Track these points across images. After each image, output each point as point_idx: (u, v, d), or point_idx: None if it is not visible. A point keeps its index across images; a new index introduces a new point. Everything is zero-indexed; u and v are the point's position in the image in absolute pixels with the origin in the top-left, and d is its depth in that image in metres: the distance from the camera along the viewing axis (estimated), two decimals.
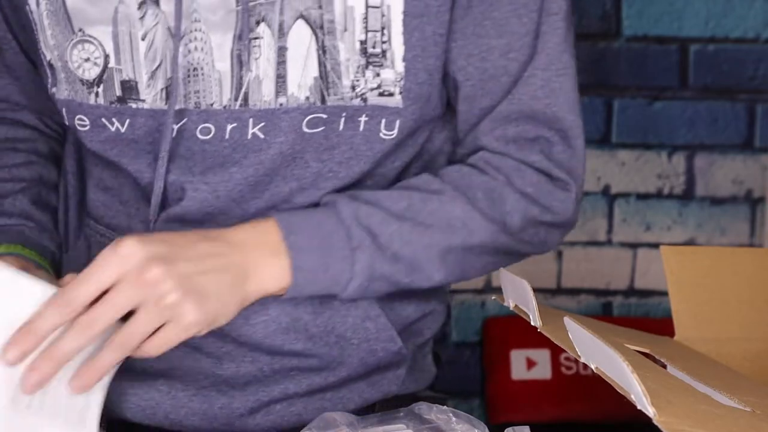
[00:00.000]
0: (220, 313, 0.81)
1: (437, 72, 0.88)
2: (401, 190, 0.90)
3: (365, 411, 0.94)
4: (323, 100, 0.86)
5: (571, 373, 2.10)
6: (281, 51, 0.86)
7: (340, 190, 0.90)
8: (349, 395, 0.96)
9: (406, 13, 0.85)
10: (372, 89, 0.86)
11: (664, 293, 0.84)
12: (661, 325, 2.08)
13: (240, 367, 0.93)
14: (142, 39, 0.87)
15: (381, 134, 0.88)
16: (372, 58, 0.86)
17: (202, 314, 0.79)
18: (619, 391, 0.54)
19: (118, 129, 0.89)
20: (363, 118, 0.87)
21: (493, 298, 0.86)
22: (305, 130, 0.87)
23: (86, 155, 0.97)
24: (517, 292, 0.76)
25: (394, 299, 0.95)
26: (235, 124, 0.87)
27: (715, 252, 0.86)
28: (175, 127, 0.88)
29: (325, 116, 0.87)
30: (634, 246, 2.18)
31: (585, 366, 2.04)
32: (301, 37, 0.86)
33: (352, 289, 0.87)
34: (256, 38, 0.86)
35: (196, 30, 0.86)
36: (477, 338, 2.20)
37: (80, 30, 0.87)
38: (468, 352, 2.20)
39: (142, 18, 0.86)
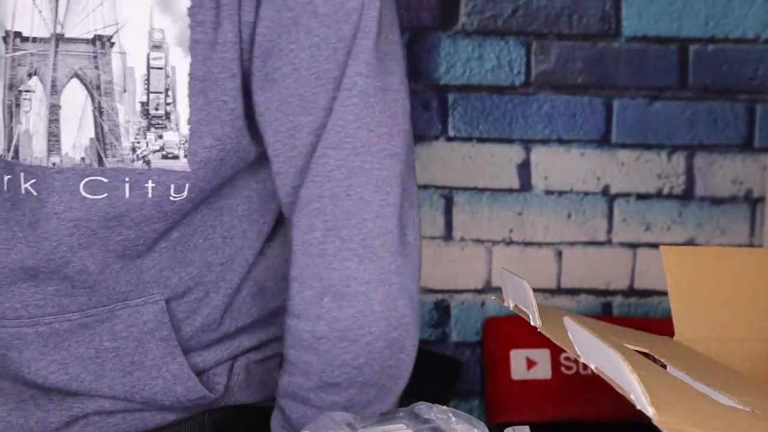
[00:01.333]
0: None
1: (229, 138, 0.85)
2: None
3: (193, 420, 0.95)
4: (101, 162, 0.83)
5: (571, 373, 2.10)
6: (54, 109, 0.83)
7: (135, 251, 0.88)
8: (169, 416, 0.95)
9: (192, 76, 0.82)
10: (154, 151, 0.83)
11: (664, 293, 0.84)
12: (660, 325, 2.08)
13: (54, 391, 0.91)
14: None
15: (170, 197, 0.85)
16: (154, 119, 0.83)
17: None
18: (618, 391, 0.54)
19: None
20: (150, 184, 0.84)
21: (493, 298, 0.86)
22: (84, 194, 0.83)
23: None
24: (517, 292, 0.76)
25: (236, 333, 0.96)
26: (10, 176, 0.84)
27: (715, 252, 0.86)
28: None
29: (105, 180, 0.83)
30: (634, 246, 2.18)
31: (585, 366, 2.04)
32: (75, 97, 0.82)
33: None
34: (27, 91, 0.82)
35: None
36: (477, 338, 2.20)
37: None
38: (468, 352, 2.20)
39: None
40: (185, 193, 0.85)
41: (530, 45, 2.13)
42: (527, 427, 0.79)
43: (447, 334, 2.19)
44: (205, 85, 0.83)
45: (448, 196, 2.16)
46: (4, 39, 0.81)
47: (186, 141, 0.83)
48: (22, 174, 0.84)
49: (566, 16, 2.12)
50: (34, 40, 0.81)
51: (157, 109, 0.83)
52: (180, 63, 0.82)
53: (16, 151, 0.83)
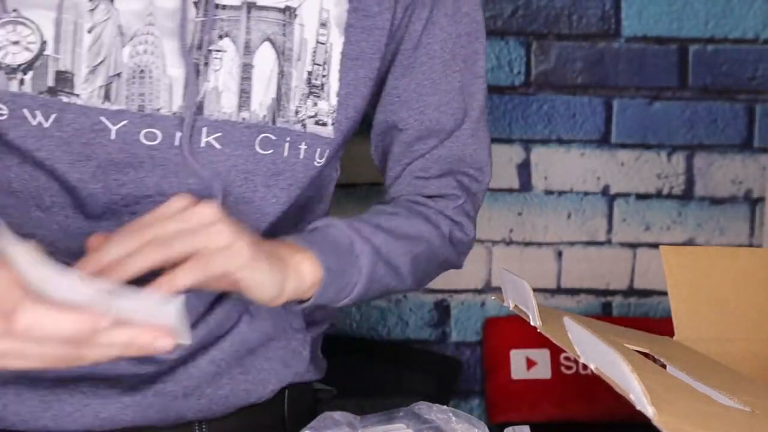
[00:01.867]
0: (263, 287, 0.83)
1: (360, 112, 0.96)
2: (371, 213, 0.99)
3: (278, 396, 0.98)
4: (273, 121, 0.90)
5: (571, 373, 2.10)
6: (246, 68, 0.89)
7: (279, 218, 0.93)
8: (267, 376, 0.98)
9: (344, 54, 0.93)
10: (310, 117, 0.92)
11: (664, 293, 0.84)
12: (660, 324, 2.08)
13: (162, 364, 0.92)
14: (89, 32, 0.84)
15: (315, 162, 0.93)
16: (314, 88, 0.92)
17: (256, 274, 0.81)
18: (618, 391, 0.54)
19: (40, 124, 0.84)
20: (303, 146, 0.92)
21: (492, 298, 0.87)
22: (257, 149, 0.90)
23: None
24: (517, 292, 0.76)
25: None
26: (182, 133, 0.87)
27: (715, 252, 0.86)
28: (114, 128, 0.86)
29: (274, 138, 0.90)
30: (633, 246, 2.18)
31: (585, 366, 2.04)
32: (266, 58, 0.89)
33: (356, 293, 0.93)
34: (218, 51, 0.87)
35: (147, 33, 0.86)
36: (477, 338, 2.20)
37: (14, 10, 0.83)
38: (468, 352, 2.20)
39: (92, 11, 0.84)
40: (323, 160, 0.95)
41: (530, 45, 2.13)
42: (527, 426, 0.79)
43: (447, 334, 2.19)
44: (356, 63, 0.94)
45: None
46: (195, 4, 0.87)
47: (334, 111, 0.93)
48: (204, 129, 0.88)
49: (566, 16, 2.12)
50: (224, 7, 0.88)
51: (316, 79, 0.92)
52: (336, 41, 0.92)
53: (200, 107, 0.87)
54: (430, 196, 1.05)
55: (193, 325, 0.93)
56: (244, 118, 0.89)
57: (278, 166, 0.91)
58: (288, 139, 0.91)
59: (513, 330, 2.12)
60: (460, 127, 1.05)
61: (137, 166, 0.87)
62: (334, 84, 0.93)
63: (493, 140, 2.15)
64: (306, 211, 1.02)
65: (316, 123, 0.92)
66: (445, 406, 0.83)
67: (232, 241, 0.79)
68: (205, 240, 0.78)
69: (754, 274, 0.85)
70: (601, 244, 2.18)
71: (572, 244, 2.18)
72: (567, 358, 2.10)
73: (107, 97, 0.85)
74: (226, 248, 0.79)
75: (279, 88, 0.90)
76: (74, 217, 0.88)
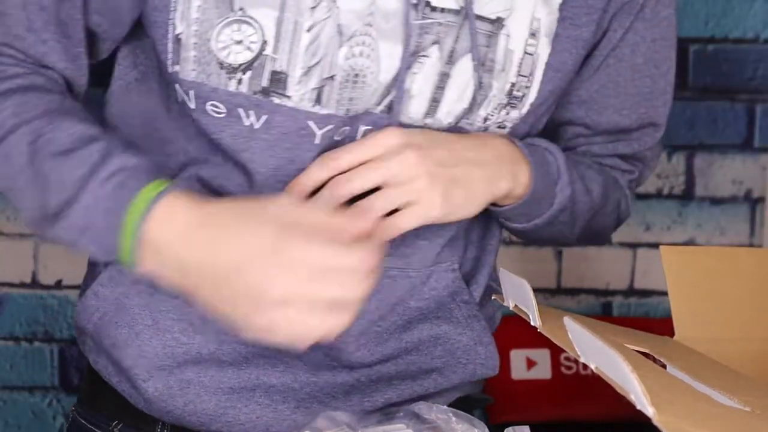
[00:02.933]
0: (463, 205, 0.85)
1: (537, 124, 0.94)
2: (570, 154, 0.97)
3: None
4: (456, 124, 0.88)
5: (571, 373, 2.10)
6: (443, 77, 0.86)
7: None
8: (448, 395, 1.00)
9: (548, 65, 0.89)
10: (496, 122, 0.89)
11: (664, 293, 0.84)
12: (660, 325, 2.07)
13: (336, 376, 0.92)
14: (307, 30, 0.81)
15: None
16: (513, 100, 0.89)
17: (444, 203, 0.83)
18: (618, 391, 0.54)
19: (251, 125, 0.84)
20: None
21: (493, 298, 0.87)
22: None
23: (187, 146, 0.89)
24: (517, 292, 0.76)
25: (485, 303, 1.00)
26: (370, 127, 0.85)
27: (715, 252, 0.87)
28: (319, 132, 0.85)
29: None
30: (633, 246, 2.18)
31: (585, 366, 2.04)
32: (465, 70, 0.86)
33: (532, 225, 0.93)
34: (423, 56, 0.84)
35: (365, 34, 0.82)
36: None
37: (241, 9, 0.80)
38: None
39: (313, 8, 0.81)
40: None
41: None
42: (527, 427, 0.79)
43: None
44: (557, 75, 0.90)
45: None
46: (415, 6, 0.83)
47: (519, 119, 0.90)
48: (364, 128, 0.86)
49: None
50: (443, 10, 0.84)
51: (518, 90, 0.89)
52: (543, 52, 0.88)
53: (390, 107, 0.85)
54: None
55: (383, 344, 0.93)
56: (426, 124, 0.87)
57: None
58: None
59: (513, 330, 2.11)
60: (648, 133, 1.03)
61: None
62: (532, 95, 0.89)
63: None
64: (485, 211, 0.99)
65: (498, 127, 0.90)
66: (444, 406, 0.83)
67: (420, 187, 0.81)
68: (397, 170, 0.81)
69: (754, 274, 0.85)
70: (601, 244, 2.18)
71: None
72: (567, 358, 2.10)
73: (318, 100, 0.83)
74: (412, 192, 0.81)
75: (474, 98, 0.87)
76: None
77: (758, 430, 0.55)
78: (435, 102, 0.86)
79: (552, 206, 0.91)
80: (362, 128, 0.86)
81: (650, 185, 2.16)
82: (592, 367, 0.58)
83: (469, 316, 0.97)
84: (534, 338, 1.88)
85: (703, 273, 0.84)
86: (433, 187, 0.82)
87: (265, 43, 0.81)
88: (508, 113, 0.89)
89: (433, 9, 0.83)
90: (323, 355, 0.91)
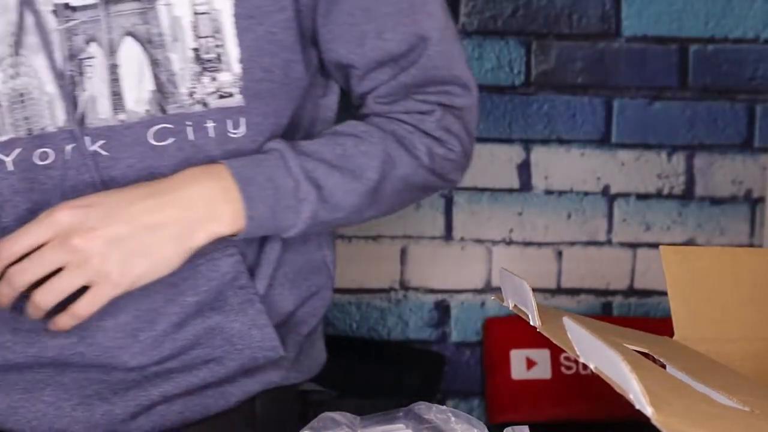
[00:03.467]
0: (151, 271, 0.85)
1: (278, 69, 0.91)
2: (335, 137, 0.94)
3: (247, 403, 0.97)
4: (164, 111, 0.88)
5: (571, 373, 2.10)
6: (113, 68, 0.87)
7: None
8: (231, 389, 0.97)
9: (237, 16, 0.87)
10: (210, 93, 0.88)
11: (664, 293, 0.84)
12: (660, 325, 2.07)
13: (126, 375, 0.93)
14: None
15: (229, 134, 0.90)
16: (207, 63, 0.88)
17: (123, 278, 0.84)
18: (618, 390, 0.54)
19: None
20: (210, 124, 0.89)
21: (492, 298, 0.87)
22: (153, 143, 0.88)
23: None
24: (517, 292, 0.76)
25: (273, 293, 0.97)
26: (74, 144, 0.87)
27: (715, 252, 0.86)
28: (8, 159, 0.86)
29: (171, 126, 0.88)
30: (633, 246, 2.18)
31: (585, 366, 2.04)
32: (131, 54, 0.87)
33: (293, 234, 0.91)
34: (89, 58, 0.86)
35: (15, 54, 0.85)
36: (477, 338, 2.20)
37: None
38: (468, 352, 2.20)
39: None
40: (243, 129, 0.90)
41: (530, 45, 2.13)
42: (526, 427, 0.79)
43: (447, 334, 2.19)
44: (253, 21, 0.88)
45: (448, 196, 2.16)
46: (55, 12, 0.85)
47: (240, 78, 0.89)
48: (87, 138, 0.87)
49: (566, 16, 2.12)
50: (84, 8, 0.85)
51: (208, 53, 0.87)
52: (223, 6, 0.87)
53: (82, 118, 0.87)
54: (395, 119, 0.99)
55: (158, 345, 0.93)
56: (122, 120, 0.87)
57: (186, 152, 0.89)
58: (189, 123, 0.88)
59: (513, 330, 2.12)
60: (420, 52, 0.96)
61: (38, 189, 0.88)
62: (233, 51, 0.88)
63: (493, 140, 2.16)
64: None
65: (220, 97, 0.89)
66: (444, 407, 0.83)
67: (97, 265, 0.82)
68: (68, 257, 0.82)
69: (754, 274, 0.85)
70: (601, 244, 2.18)
71: (572, 244, 2.18)
72: (567, 358, 2.10)
73: None
74: (91, 271, 0.83)
75: (157, 78, 0.87)
76: None
77: (758, 430, 0.55)
78: (117, 96, 0.87)
79: (300, 214, 0.91)
80: (67, 147, 0.87)
81: (650, 185, 2.17)
82: (592, 367, 0.58)
83: (244, 301, 0.95)
84: (534, 338, 1.88)
85: (703, 273, 0.84)
86: (107, 265, 0.83)
87: None
88: (215, 79, 0.88)
89: (74, 9, 0.85)
90: (110, 367, 0.93)
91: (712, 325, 0.82)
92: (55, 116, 0.86)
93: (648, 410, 0.50)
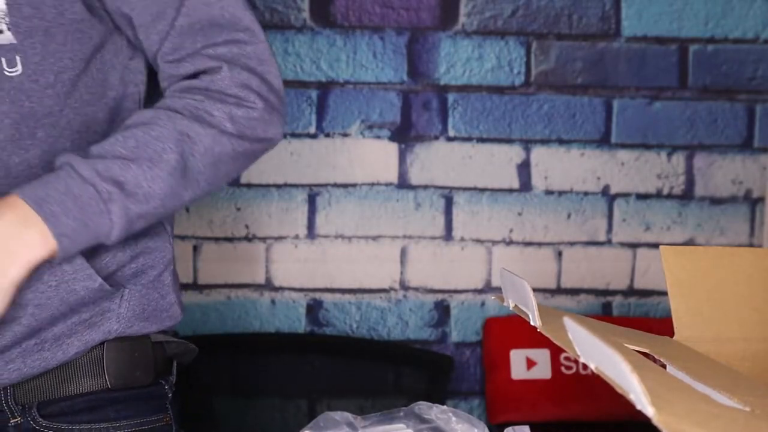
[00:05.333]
0: None
1: (47, 5, 0.91)
2: (124, 132, 0.93)
3: (93, 354, 0.99)
4: None
5: (571, 373, 2.10)
6: None
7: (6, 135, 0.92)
8: (69, 341, 0.98)
9: None
10: None
11: (664, 293, 0.84)
12: (660, 324, 2.08)
13: None
14: None
15: (5, 72, 0.91)
16: None
17: None
18: (618, 390, 0.54)
19: None
20: None
21: (492, 298, 0.87)
22: None
23: None
24: (517, 292, 0.76)
25: (98, 252, 0.99)
26: None
27: (715, 252, 0.86)
28: None
29: None
30: (633, 246, 2.18)
31: (585, 366, 2.04)
32: None
33: (116, 235, 0.91)
34: None
35: None
36: (477, 338, 2.20)
37: None
38: (468, 352, 2.20)
39: None
40: (19, 67, 0.90)
41: (530, 45, 2.13)
42: (527, 427, 0.79)
43: (447, 334, 2.19)
44: None
45: (448, 196, 2.16)
46: None
47: (5, 14, 0.89)
48: None
49: (566, 16, 2.12)
50: None
51: None
52: None
53: None
54: (190, 77, 0.99)
55: None
56: None
57: None
58: None
59: (513, 330, 2.12)
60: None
61: None
62: None
63: (493, 140, 2.16)
64: (73, 131, 0.98)
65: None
66: (444, 406, 0.83)
67: None
68: None
69: (754, 274, 0.85)
70: (601, 244, 2.18)
71: (572, 244, 2.18)
72: (567, 358, 2.10)
73: None
74: None
75: None
76: None
77: (758, 429, 0.55)
78: None
79: (111, 214, 0.90)
80: None
81: (650, 185, 2.17)
82: (593, 367, 0.58)
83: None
84: (534, 338, 1.88)
85: (703, 273, 0.84)
86: None
87: None
88: None
89: None
90: None
91: (712, 325, 0.82)
92: None
93: (649, 410, 0.50)
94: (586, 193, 2.17)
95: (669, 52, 2.11)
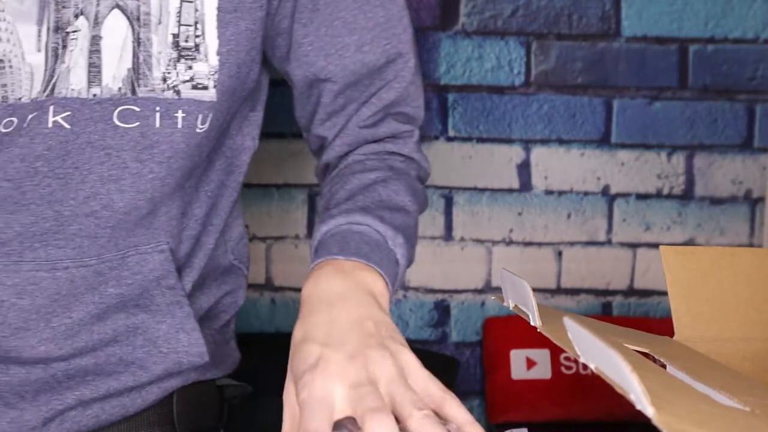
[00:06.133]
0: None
1: (245, 67, 0.90)
2: (363, 191, 0.92)
3: (165, 400, 0.96)
4: (134, 92, 0.85)
5: (571, 373, 2.10)
6: (95, 40, 0.84)
7: (162, 192, 0.90)
8: (150, 389, 0.96)
9: (220, 9, 0.87)
10: (184, 82, 0.87)
11: (664, 293, 0.84)
12: (660, 324, 2.08)
13: (30, 373, 0.90)
14: None
15: (197, 129, 0.88)
16: (184, 51, 0.86)
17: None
18: (618, 391, 0.54)
19: None
20: (180, 114, 0.87)
21: (492, 298, 0.87)
22: (117, 123, 0.86)
23: None
24: (517, 292, 0.76)
25: (195, 293, 0.97)
26: (35, 113, 0.84)
27: (715, 252, 0.86)
28: None
29: (137, 109, 0.86)
30: (633, 246, 2.18)
31: (585, 366, 2.04)
32: (116, 28, 0.84)
33: (399, 281, 0.89)
34: (74, 31, 0.83)
35: (1, 20, 0.82)
36: (477, 338, 2.20)
37: None
38: (468, 352, 2.20)
39: None
40: (207, 125, 0.89)
41: (530, 45, 2.13)
42: (525, 429, 0.79)
43: (447, 334, 2.19)
44: (236, 16, 0.88)
45: (448, 196, 2.16)
46: None
47: (215, 72, 0.87)
48: (51, 107, 0.84)
49: (566, 16, 2.12)
50: None
51: (186, 41, 0.86)
52: None
53: (53, 88, 0.84)
54: (380, 140, 0.98)
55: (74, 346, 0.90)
56: (95, 95, 0.85)
57: (150, 139, 0.87)
58: (157, 108, 0.86)
59: (513, 330, 2.12)
60: (400, 65, 0.96)
61: None
62: (212, 43, 0.87)
63: (493, 140, 2.16)
64: (219, 186, 0.97)
65: (194, 87, 0.87)
66: None
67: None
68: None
69: (754, 274, 0.85)
70: (601, 244, 2.18)
71: (572, 244, 2.18)
72: (567, 358, 2.10)
73: None
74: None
75: (135, 57, 0.85)
76: None
77: (758, 430, 0.55)
78: (94, 68, 0.84)
79: (398, 262, 0.88)
80: (29, 116, 0.84)
81: (650, 185, 2.17)
82: (592, 367, 0.58)
83: (172, 302, 0.93)
84: (534, 338, 1.88)
85: (703, 273, 0.84)
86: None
87: None
88: (190, 67, 0.87)
89: None
90: (13, 358, 0.89)
91: (712, 325, 0.82)
92: (32, 88, 0.83)
93: (649, 410, 0.50)
94: (586, 193, 2.17)
95: (669, 52, 2.11)
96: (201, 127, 0.88)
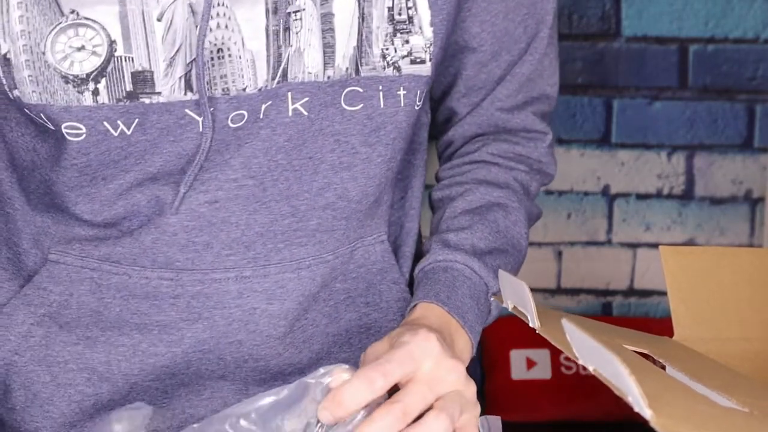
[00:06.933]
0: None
1: (447, 39, 0.86)
2: (485, 215, 0.90)
3: None
4: (357, 71, 0.81)
5: (571, 373, 2.10)
6: (327, 18, 0.79)
7: (387, 177, 0.86)
8: None
9: None
10: (403, 57, 0.82)
11: (664, 293, 0.84)
12: (660, 325, 2.08)
13: (270, 388, 0.87)
14: (158, 20, 0.73)
15: (416, 106, 0.84)
16: (399, 24, 0.81)
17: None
18: (616, 393, 0.54)
19: (123, 132, 0.75)
20: (402, 92, 0.82)
21: (492, 298, 0.87)
22: (344, 106, 0.81)
23: (49, 171, 0.80)
24: (516, 293, 0.76)
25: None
26: (270, 102, 0.78)
27: (715, 252, 0.86)
28: (200, 119, 0.76)
29: (361, 90, 0.81)
30: (633, 246, 2.18)
31: (585, 366, 2.03)
32: (347, 3, 0.79)
33: (490, 322, 0.90)
34: (297, 11, 0.77)
35: (218, 4, 0.75)
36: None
37: (73, 12, 0.71)
38: None
39: None
40: (422, 101, 0.85)
41: None
42: (498, 417, 0.82)
43: None
44: None
45: None
46: None
47: (431, 44, 0.83)
48: (289, 94, 0.79)
49: (566, 16, 2.12)
50: None
51: (400, 13, 0.81)
52: None
53: (285, 74, 0.78)
54: (512, 131, 0.95)
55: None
56: (329, 77, 0.79)
57: (375, 121, 0.82)
58: (380, 88, 0.81)
59: (513, 330, 2.12)
60: (535, 38, 0.92)
61: (223, 150, 0.79)
62: (424, 14, 0.81)
63: None
64: (407, 166, 0.93)
65: (413, 62, 0.82)
66: None
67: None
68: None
69: (754, 274, 0.85)
70: (601, 244, 2.18)
71: (572, 244, 2.18)
72: (567, 359, 2.10)
73: (189, 86, 0.75)
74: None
75: (360, 34, 0.80)
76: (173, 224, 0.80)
77: (757, 431, 0.55)
78: (329, 48, 0.79)
79: (491, 310, 0.88)
80: (263, 106, 0.78)
81: (650, 185, 2.16)
82: (591, 369, 0.58)
83: (399, 299, 0.90)
84: (534, 338, 1.87)
85: (702, 273, 0.84)
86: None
87: (113, 43, 0.73)
88: (407, 41, 0.82)
89: None
90: (249, 369, 0.85)
91: (712, 325, 0.82)
92: (257, 77, 0.76)
93: (646, 413, 0.50)
94: (586, 193, 2.17)
95: (669, 52, 2.11)
96: (418, 103, 0.84)
